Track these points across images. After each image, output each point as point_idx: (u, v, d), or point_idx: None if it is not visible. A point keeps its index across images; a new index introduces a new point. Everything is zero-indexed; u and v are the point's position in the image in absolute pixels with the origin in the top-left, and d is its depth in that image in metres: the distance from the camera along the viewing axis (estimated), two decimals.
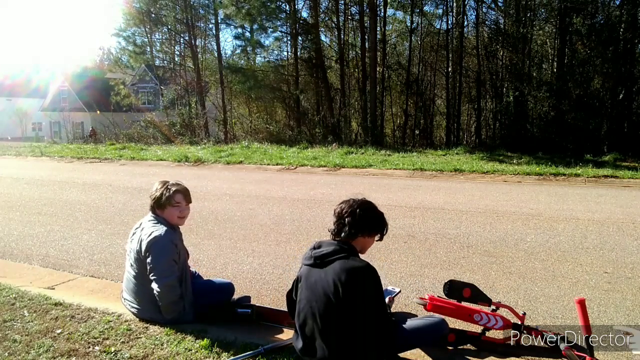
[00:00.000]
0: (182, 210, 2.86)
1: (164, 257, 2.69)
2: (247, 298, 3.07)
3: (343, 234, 2.25)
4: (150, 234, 2.71)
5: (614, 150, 12.97)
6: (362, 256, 2.32)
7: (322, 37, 21.68)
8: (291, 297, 2.41)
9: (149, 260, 2.69)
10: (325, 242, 2.29)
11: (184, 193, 2.86)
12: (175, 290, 2.71)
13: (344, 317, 2.10)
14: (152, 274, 2.68)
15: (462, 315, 2.65)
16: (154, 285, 2.66)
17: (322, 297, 2.14)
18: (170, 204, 2.80)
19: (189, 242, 2.92)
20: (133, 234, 2.89)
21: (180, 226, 2.94)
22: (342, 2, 21.03)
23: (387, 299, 2.41)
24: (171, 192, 2.81)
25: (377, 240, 2.38)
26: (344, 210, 2.28)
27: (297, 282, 2.35)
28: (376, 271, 2.18)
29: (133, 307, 2.84)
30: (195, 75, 22.18)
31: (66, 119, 29.21)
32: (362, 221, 2.26)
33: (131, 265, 2.83)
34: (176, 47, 25.20)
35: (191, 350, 2.42)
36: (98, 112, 27.20)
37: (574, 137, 14.58)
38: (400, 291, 2.56)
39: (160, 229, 2.74)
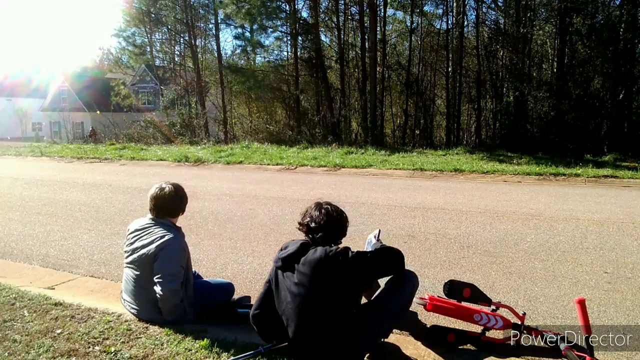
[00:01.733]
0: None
1: (173, 263, 2.68)
2: (247, 298, 3.08)
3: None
4: (162, 238, 2.70)
5: (614, 150, 12.96)
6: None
7: (322, 37, 21.71)
8: None
9: (156, 263, 2.67)
10: None
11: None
12: (177, 295, 2.70)
13: None
14: (157, 277, 2.66)
15: (462, 315, 2.65)
16: (157, 288, 2.65)
17: None
18: None
19: (188, 242, 2.92)
20: (135, 236, 2.85)
21: (180, 227, 2.94)
22: (342, 2, 21.02)
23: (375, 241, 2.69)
24: None
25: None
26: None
27: None
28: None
29: (132, 308, 2.84)
30: (195, 75, 22.18)
31: (66, 119, 29.20)
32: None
33: (130, 266, 2.82)
34: (176, 47, 25.27)
35: (191, 350, 2.42)
36: (98, 112, 27.17)
37: (574, 137, 14.59)
38: (379, 230, 2.79)
39: (170, 234, 2.74)
